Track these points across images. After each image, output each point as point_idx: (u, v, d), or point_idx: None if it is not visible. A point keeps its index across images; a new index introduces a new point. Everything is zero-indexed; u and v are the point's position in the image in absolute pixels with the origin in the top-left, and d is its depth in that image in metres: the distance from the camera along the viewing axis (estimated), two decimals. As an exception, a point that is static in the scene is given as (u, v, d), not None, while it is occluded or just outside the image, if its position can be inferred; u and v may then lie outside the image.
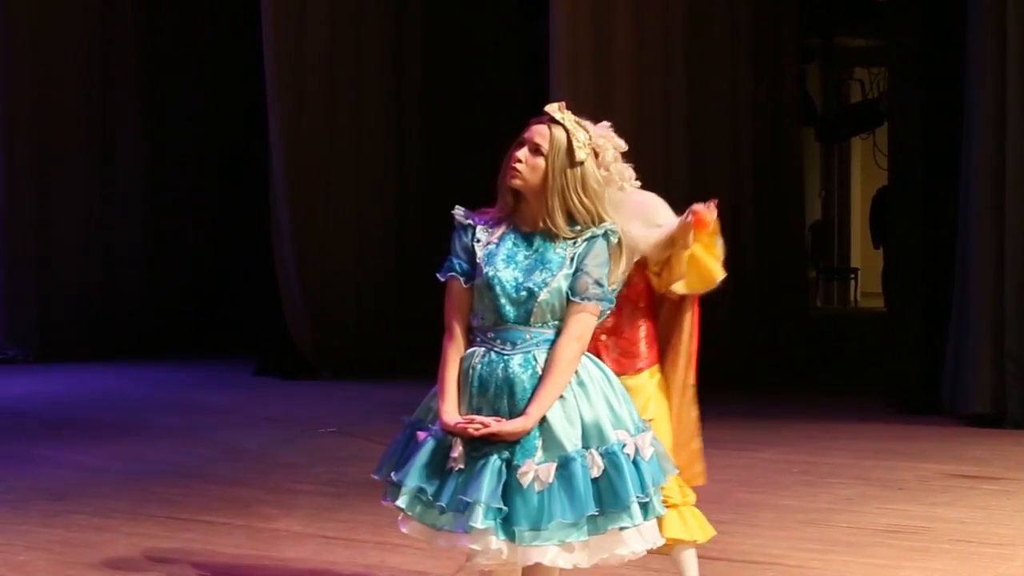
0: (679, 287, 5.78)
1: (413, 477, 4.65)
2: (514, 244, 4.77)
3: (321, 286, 14.94)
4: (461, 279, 4.77)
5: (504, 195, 4.82)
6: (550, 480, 4.56)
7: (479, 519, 4.51)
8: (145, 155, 17.49)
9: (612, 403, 4.75)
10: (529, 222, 4.79)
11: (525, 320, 4.68)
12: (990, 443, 10.55)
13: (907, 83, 12.30)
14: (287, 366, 14.97)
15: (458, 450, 4.62)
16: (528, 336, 4.70)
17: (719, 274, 5.79)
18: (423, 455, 4.67)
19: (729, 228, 6.19)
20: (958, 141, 11.65)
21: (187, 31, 17.78)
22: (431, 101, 15.90)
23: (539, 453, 4.60)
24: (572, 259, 4.72)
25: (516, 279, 4.69)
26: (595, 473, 4.60)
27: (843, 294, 26.74)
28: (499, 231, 4.80)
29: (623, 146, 5.88)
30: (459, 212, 4.87)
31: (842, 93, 25.91)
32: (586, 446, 4.64)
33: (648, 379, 5.82)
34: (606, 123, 5.72)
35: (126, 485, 9.39)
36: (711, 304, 6.28)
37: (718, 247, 5.80)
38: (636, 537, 4.68)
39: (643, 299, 5.85)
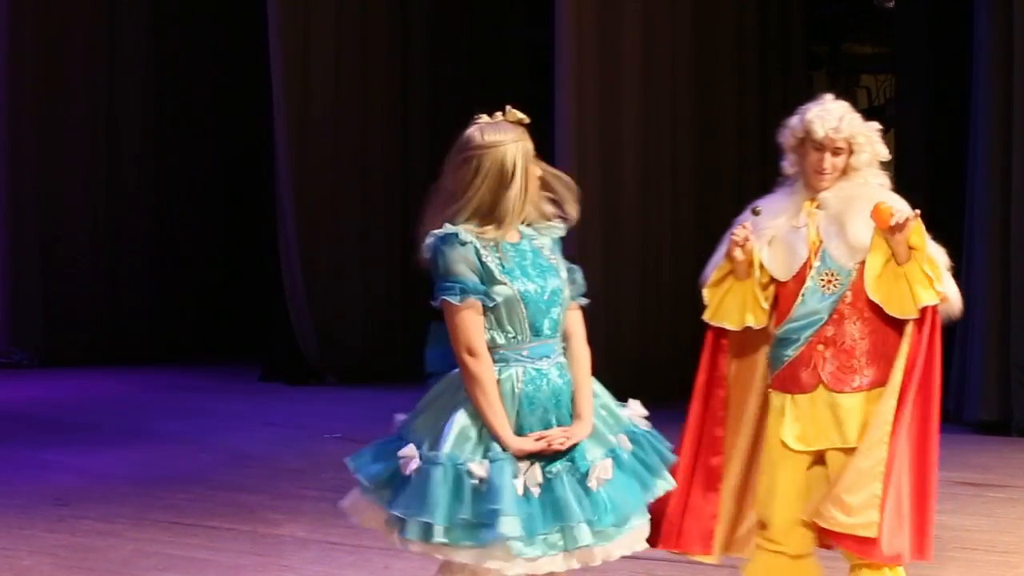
0: (881, 301, 5.41)
1: (511, 504, 4.46)
2: (517, 255, 4.69)
3: (327, 291, 14.92)
4: (481, 300, 4.61)
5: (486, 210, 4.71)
6: (609, 475, 4.58)
7: (587, 538, 4.51)
8: (151, 161, 17.47)
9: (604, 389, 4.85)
10: (510, 232, 4.70)
11: (553, 331, 4.70)
12: (996, 450, 10.54)
13: (914, 90, 12.30)
14: (293, 372, 14.96)
15: (535, 473, 4.54)
16: (556, 347, 4.72)
17: (920, 302, 5.35)
18: (506, 481, 4.48)
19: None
20: (964, 148, 11.65)
21: (193, 36, 17.76)
22: (437, 108, 15.89)
23: (590, 454, 4.61)
24: (557, 260, 4.77)
25: (539, 290, 4.67)
26: (625, 457, 4.68)
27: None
28: (496, 245, 4.67)
29: (886, 155, 5.63)
30: (461, 232, 4.62)
31: (849, 100, 25.87)
32: (613, 433, 4.73)
33: (864, 403, 5.43)
34: (876, 124, 5.57)
35: (131, 490, 9.40)
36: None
37: (934, 273, 5.38)
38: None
39: (870, 309, 5.46)
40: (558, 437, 4.56)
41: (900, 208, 5.37)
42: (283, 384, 14.85)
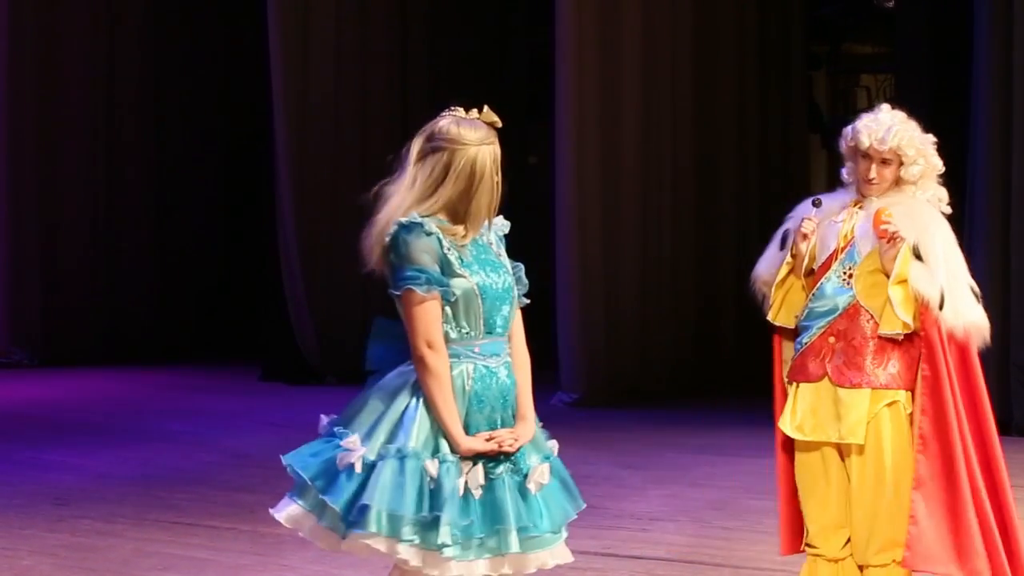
0: (872, 310, 5.43)
1: (454, 511, 4.42)
2: (472, 249, 4.60)
3: (326, 291, 14.93)
4: (441, 291, 4.52)
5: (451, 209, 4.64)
6: (547, 479, 4.56)
7: (515, 544, 4.46)
8: (151, 161, 17.47)
9: None
10: (475, 231, 4.63)
11: (505, 329, 4.61)
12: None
13: (913, 90, 12.30)
14: (293, 372, 14.96)
15: (478, 474, 4.48)
16: (506, 346, 4.63)
17: (883, 326, 5.36)
18: (451, 486, 4.44)
19: (735, 235, 6.14)
20: (964, 148, 11.65)
21: (193, 36, 17.76)
22: (437, 106, 15.86)
23: (531, 456, 4.58)
24: (505, 260, 4.68)
25: (495, 285, 4.58)
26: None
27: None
28: (455, 240, 4.57)
29: (940, 168, 5.67)
30: (426, 223, 4.53)
31: (849, 100, 25.88)
32: (546, 439, 4.71)
33: (866, 401, 5.38)
34: (931, 137, 5.60)
35: (131, 490, 9.40)
36: (719, 311, 6.23)
37: (904, 307, 5.35)
38: None
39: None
40: (507, 438, 4.50)
41: (897, 223, 5.36)
42: (283, 384, 14.85)
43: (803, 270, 5.54)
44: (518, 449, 4.52)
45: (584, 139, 13.10)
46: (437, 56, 16.06)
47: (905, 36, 13.28)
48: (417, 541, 4.41)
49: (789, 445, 5.58)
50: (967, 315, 5.41)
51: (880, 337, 5.38)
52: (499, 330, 4.58)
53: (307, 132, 14.91)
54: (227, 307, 17.64)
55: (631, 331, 13.38)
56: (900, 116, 5.51)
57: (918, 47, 12.24)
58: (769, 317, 5.62)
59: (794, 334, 5.61)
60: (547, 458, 4.61)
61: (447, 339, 4.52)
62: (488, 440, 4.49)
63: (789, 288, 5.58)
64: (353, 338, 15.07)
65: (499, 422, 4.55)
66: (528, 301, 4.74)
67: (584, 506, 4.76)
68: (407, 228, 4.50)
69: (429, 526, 4.40)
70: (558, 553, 4.60)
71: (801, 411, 5.49)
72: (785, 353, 5.65)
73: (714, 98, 14.41)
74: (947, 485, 5.33)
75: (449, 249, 4.52)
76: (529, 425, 4.58)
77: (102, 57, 17.04)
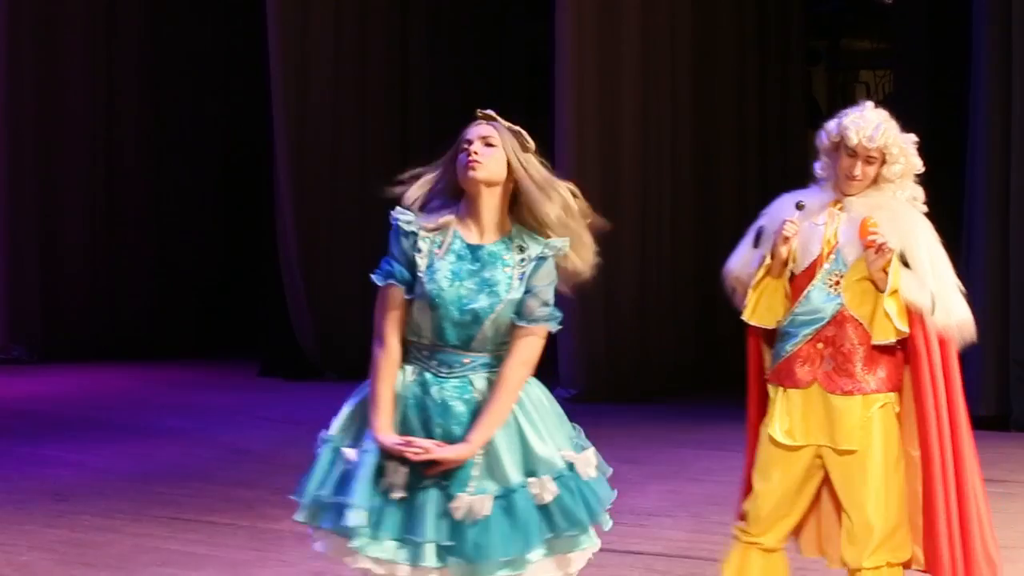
0: (862, 319, 5.40)
1: (364, 497, 4.34)
2: (459, 258, 4.46)
3: (325, 288, 14.93)
4: (402, 288, 4.46)
5: (448, 195, 4.56)
6: (485, 512, 4.33)
7: (432, 559, 4.31)
8: (150, 155, 17.47)
9: (553, 423, 4.52)
10: (476, 231, 4.51)
11: (466, 344, 4.42)
12: (994, 446, 10.52)
13: (912, 85, 12.30)
14: (292, 367, 14.97)
15: (400, 474, 4.36)
16: (466, 361, 4.44)
17: (876, 336, 5.34)
18: (365, 474, 4.35)
19: (735, 230, 6.11)
20: (963, 143, 11.65)
21: (192, 31, 17.75)
22: (436, 103, 15.89)
23: (473, 484, 4.36)
24: (521, 279, 4.46)
25: (461, 300, 4.41)
26: (547, 499, 4.39)
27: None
28: (444, 241, 4.49)
29: (920, 167, 5.55)
30: (401, 216, 4.55)
31: (847, 95, 25.88)
32: (532, 473, 4.41)
33: (860, 408, 5.37)
34: (913, 136, 5.52)
35: (130, 486, 9.40)
36: (717, 304, 6.20)
37: (899, 315, 5.31)
38: (581, 559, 4.51)
39: None
40: (418, 447, 4.33)
41: (884, 232, 5.33)
42: (282, 380, 14.86)
43: (782, 272, 5.50)
44: (435, 463, 4.32)
45: (583, 135, 13.10)
46: (436, 52, 16.06)
47: (904, 32, 13.27)
48: (325, 525, 4.42)
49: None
50: (958, 314, 5.43)
51: (867, 344, 5.36)
52: (457, 343, 4.42)
53: (306, 129, 14.90)
54: (226, 303, 17.64)
55: (630, 325, 13.38)
56: (884, 114, 5.50)
57: (917, 43, 12.24)
58: (744, 316, 5.57)
59: (770, 334, 5.59)
60: (508, 491, 4.36)
61: (405, 338, 4.47)
62: (401, 443, 4.34)
63: (764, 289, 5.52)
64: (352, 333, 15.09)
65: (439, 433, 4.38)
66: (537, 324, 4.46)
67: (592, 543, 4.49)
68: (395, 219, 4.56)
69: (335, 509, 4.37)
70: None
71: (791, 417, 5.48)
72: (764, 353, 5.64)
73: (713, 94, 14.41)
74: (927, 486, 5.34)
75: (422, 248, 4.48)
76: (464, 449, 4.34)
77: (102, 54, 17.03)
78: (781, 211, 5.57)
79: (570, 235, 4.52)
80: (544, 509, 4.39)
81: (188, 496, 9.03)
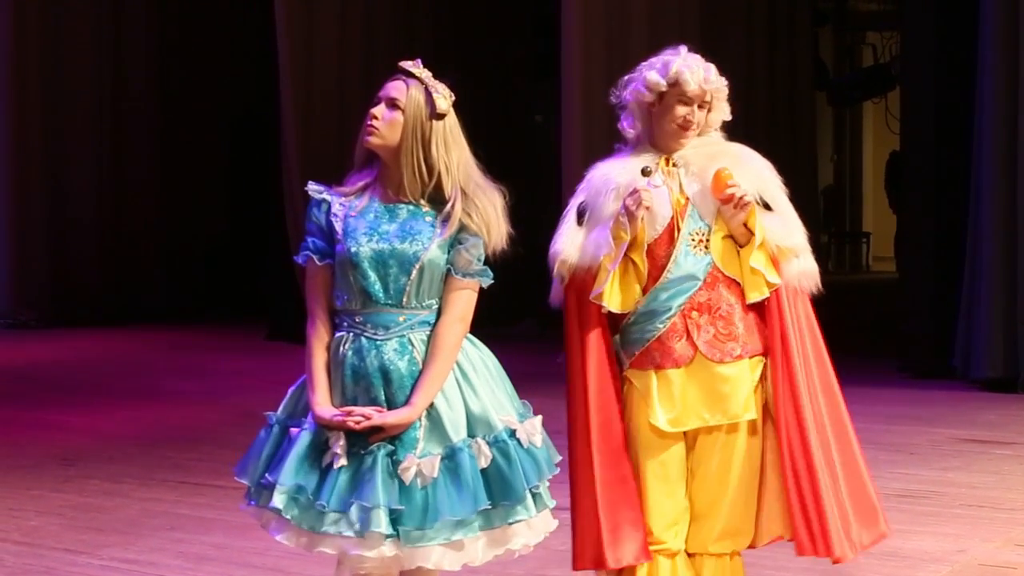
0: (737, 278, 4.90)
1: (289, 475, 4.23)
2: (376, 216, 4.37)
3: (332, 251, 14.95)
4: (315, 258, 4.40)
5: (360, 159, 4.50)
6: (434, 474, 4.20)
7: (383, 524, 4.15)
8: (158, 121, 17.48)
9: (494, 387, 4.38)
10: (393, 190, 4.40)
11: (398, 301, 4.29)
12: (1002, 408, 10.54)
13: (919, 47, 12.24)
14: (298, 331, 14.94)
15: (340, 444, 4.23)
16: (402, 319, 4.31)
17: (764, 286, 4.84)
18: (298, 451, 4.26)
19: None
20: (971, 105, 11.61)
21: (199, 12, 17.75)
22: (442, 64, 15.86)
23: (421, 445, 4.24)
24: (444, 224, 4.31)
25: (381, 253, 4.29)
26: (483, 463, 4.25)
27: (855, 258, 26.69)
28: (360, 203, 4.42)
29: (728, 115, 5.10)
30: (312, 187, 4.48)
31: (854, 57, 25.84)
32: (471, 435, 4.28)
33: (748, 372, 4.87)
34: (725, 80, 5.04)
35: (138, 450, 9.41)
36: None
37: (766, 266, 4.85)
38: (526, 530, 4.33)
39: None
40: (359, 415, 4.21)
41: (740, 183, 4.86)
42: (289, 343, 14.85)
43: (637, 248, 4.85)
44: (375, 432, 4.21)
45: (590, 97, 13.05)
46: (443, 14, 16.02)
47: (911, -7, 13.16)
48: (259, 503, 4.37)
49: (628, 443, 4.91)
50: (810, 261, 4.97)
51: (743, 301, 4.86)
52: (387, 300, 4.29)
53: (313, 97, 14.91)
54: (234, 267, 17.66)
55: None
56: (699, 56, 5.02)
57: (924, 4, 12.18)
58: (605, 303, 4.83)
59: (615, 319, 4.91)
60: (452, 452, 4.23)
61: (336, 308, 4.38)
62: (340, 415, 4.23)
63: (620, 270, 4.85)
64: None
65: (382, 398, 4.27)
66: (485, 281, 4.35)
67: (528, 514, 4.29)
68: (310, 196, 4.49)
69: (269, 490, 4.31)
70: (451, 557, 4.23)
71: (671, 401, 4.87)
72: (612, 341, 4.93)
73: (721, 55, 14.31)
74: (804, 459, 4.85)
75: (337, 214, 4.41)
76: (408, 412, 4.23)
77: (108, 26, 17.04)
78: (606, 183, 4.92)
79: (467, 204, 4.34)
80: (484, 474, 4.25)
81: (196, 460, 9.04)
